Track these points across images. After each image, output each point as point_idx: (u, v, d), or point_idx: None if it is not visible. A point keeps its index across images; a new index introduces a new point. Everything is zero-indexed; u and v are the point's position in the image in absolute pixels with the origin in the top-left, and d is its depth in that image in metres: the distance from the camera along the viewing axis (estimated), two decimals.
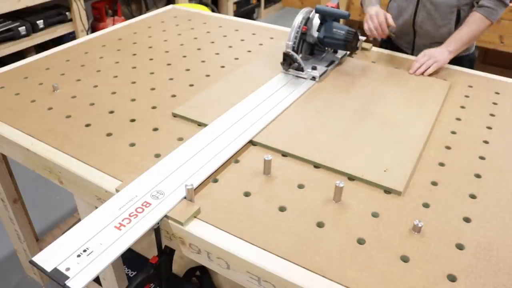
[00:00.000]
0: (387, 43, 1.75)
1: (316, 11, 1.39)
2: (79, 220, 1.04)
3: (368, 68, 1.47)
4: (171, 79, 1.40)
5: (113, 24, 3.12)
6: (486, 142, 1.12)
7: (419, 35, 1.60)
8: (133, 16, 3.31)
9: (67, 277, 0.71)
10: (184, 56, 1.56)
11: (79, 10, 2.92)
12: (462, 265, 0.77)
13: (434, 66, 1.42)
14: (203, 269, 1.51)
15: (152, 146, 1.07)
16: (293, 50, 1.38)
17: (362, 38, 1.58)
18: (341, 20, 1.44)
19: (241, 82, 1.36)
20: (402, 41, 1.69)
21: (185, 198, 0.88)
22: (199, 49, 1.62)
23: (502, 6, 1.44)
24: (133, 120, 1.18)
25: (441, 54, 1.43)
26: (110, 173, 0.97)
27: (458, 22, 1.52)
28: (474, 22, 1.44)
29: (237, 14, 4.35)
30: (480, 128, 1.17)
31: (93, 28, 3.20)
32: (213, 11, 3.75)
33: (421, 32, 1.59)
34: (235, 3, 4.33)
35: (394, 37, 1.71)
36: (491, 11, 1.43)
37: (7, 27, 2.61)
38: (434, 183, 0.96)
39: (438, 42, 1.51)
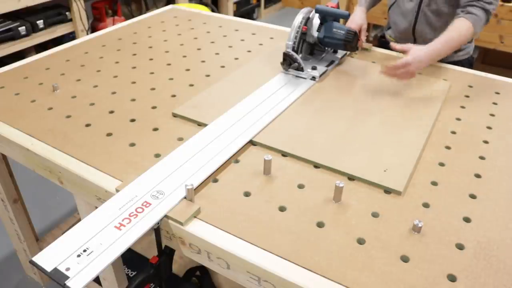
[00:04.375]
0: (387, 45, 1.75)
1: (316, 11, 1.39)
2: (79, 220, 1.04)
3: (368, 68, 1.47)
4: (171, 79, 1.40)
5: (113, 24, 3.12)
6: (486, 142, 1.12)
7: (419, 42, 1.59)
8: (133, 16, 3.31)
9: (67, 277, 0.71)
10: (184, 56, 1.56)
11: (79, 10, 2.91)
12: (462, 265, 0.77)
13: (404, 78, 1.30)
14: (203, 269, 1.51)
15: (152, 146, 1.07)
16: (293, 50, 1.38)
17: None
18: (341, 20, 1.44)
19: (241, 82, 1.36)
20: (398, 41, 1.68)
21: (185, 198, 0.88)
22: (199, 49, 1.63)
23: (485, 18, 1.35)
24: (133, 120, 1.18)
25: (421, 65, 1.28)
26: (110, 173, 0.97)
27: None
28: (465, 31, 1.33)
29: (237, 14, 4.35)
30: (480, 128, 1.17)
31: (93, 28, 3.20)
32: (213, 11, 3.75)
33: (421, 40, 1.57)
34: (235, 3, 4.33)
35: (394, 42, 1.70)
36: (479, 20, 1.34)
37: (7, 27, 2.60)
38: (434, 183, 0.96)
39: None
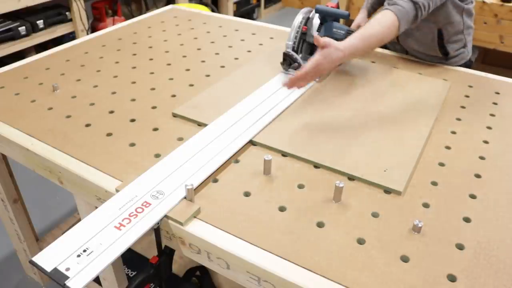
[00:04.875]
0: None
1: (316, 11, 1.39)
2: (79, 220, 1.04)
3: (368, 68, 1.47)
4: (171, 79, 1.40)
5: (113, 24, 3.12)
6: (486, 142, 1.12)
7: (407, 48, 1.58)
8: (133, 16, 3.31)
9: (67, 277, 0.71)
10: (184, 56, 1.56)
11: (79, 10, 2.92)
12: (462, 265, 0.77)
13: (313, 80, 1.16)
14: (203, 269, 1.51)
15: (152, 146, 1.07)
16: (293, 50, 1.38)
17: None
18: (341, 20, 1.44)
19: (241, 82, 1.36)
20: (393, 49, 1.66)
21: (185, 198, 0.88)
22: (199, 49, 1.63)
23: (413, 12, 1.22)
24: (133, 120, 1.18)
25: (333, 65, 1.14)
26: (110, 173, 0.97)
27: (442, 41, 1.45)
28: (389, 25, 1.20)
29: (237, 14, 4.35)
30: (480, 128, 1.17)
31: (93, 28, 3.20)
32: (213, 11, 3.75)
33: (410, 49, 1.56)
34: (235, 3, 4.33)
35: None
36: (405, 13, 1.20)
37: (7, 27, 2.60)
38: (434, 183, 0.96)
39: (426, 54, 1.51)
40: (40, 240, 1.69)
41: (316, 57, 1.12)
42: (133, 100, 1.28)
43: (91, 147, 1.07)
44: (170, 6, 2.11)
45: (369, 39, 1.18)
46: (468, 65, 1.56)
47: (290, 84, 1.12)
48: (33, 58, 1.54)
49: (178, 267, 1.51)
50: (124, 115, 1.20)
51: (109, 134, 1.12)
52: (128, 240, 0.79)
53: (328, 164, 1.00)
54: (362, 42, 1.17)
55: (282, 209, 0.88)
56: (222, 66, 1.49)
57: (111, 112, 1.22)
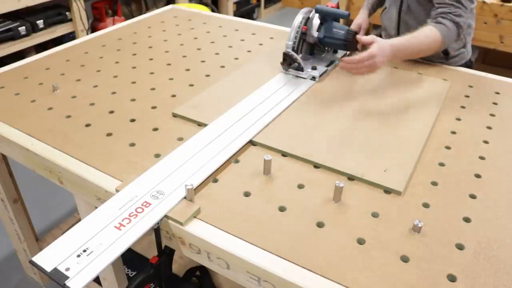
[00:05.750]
0: None
1: (316, 11, 1.39)
2: (79, 220, 1.04)
3: None
4: (171, 79, 1.40)
5: (113, 24, 3.12)
6: (486, 142, 1.12)
7: None
8: (133, 16, 3.31)
9: (67, 277, 0.71)
10: (184, 56, 1.56)
11: (79, 10, 2.92)
12: (462, 265, 0.77)
13: (366, 72, 1.23)
14: (203, 269, 1.51)
15: (152, 146, 1.07)
16: (293, 50, 1.38)
17: None
18: (341, 20, 1.44)
19: (241, 82, 1.36)
20: None
21: (185, 198, 0.88)
22: (199, 49, 1.63)
23: (456, 31, 1.31)
24: (133, 120, 1.18)
25: (385, 58, 1.21)
26: (110, 173, 0.97)
27: None
28: (432, 37, 1.28)
29: (237, 14, 4.35)
30: (480, 128, 1.17)
31: (93, 28, 3.20)
32: (213, 11, 3.75)
33: None
34: (235, 3, 4.33)
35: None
36: (447, 31, 1.29)
37: (7, 27, 2.60)
38: (434, 183, 0.96)
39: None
40: (40, 240, 1.69)
41: (371, 48, 1.16)
42: (133, 100, 1.28)
43: (91, 147, 1.07)
44: (170, 6, 2.11)
45: (415, 45, 1.28)
46: (468, 65, 1.56)
47: (344, 67, 1.21)
48: (33, 58, 1.54)
49: (178, 267, 1.51)
50: (124, 115, 1.20)
51: (109, 134, 1.12)
52: (128, 240, 0.79)
53: (328, 164, 1.00)
54: (409, 44, 1.25)
55: (282, 209, 0.88)
56: (222, 66, 1.49)
57: (111, 112, 1.22)
